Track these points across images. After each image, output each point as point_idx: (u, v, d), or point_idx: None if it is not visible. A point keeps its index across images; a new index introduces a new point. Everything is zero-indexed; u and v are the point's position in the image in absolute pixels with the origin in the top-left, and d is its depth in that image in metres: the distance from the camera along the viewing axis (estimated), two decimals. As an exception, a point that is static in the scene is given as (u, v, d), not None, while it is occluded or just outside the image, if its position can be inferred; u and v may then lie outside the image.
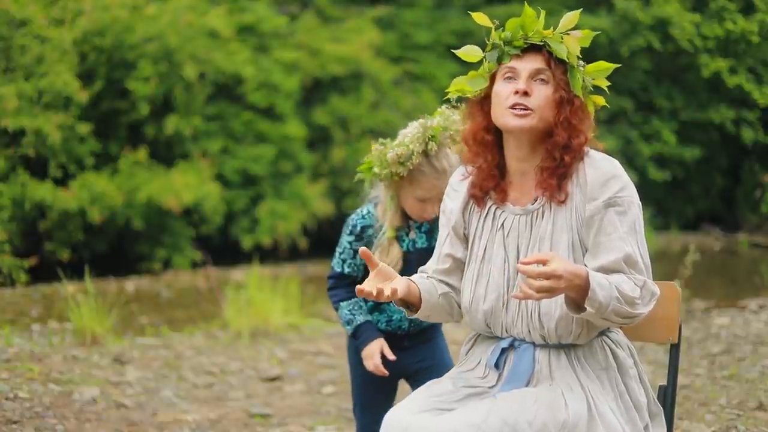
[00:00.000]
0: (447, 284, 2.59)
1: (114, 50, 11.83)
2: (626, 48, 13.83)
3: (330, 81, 14.28)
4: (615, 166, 2.42)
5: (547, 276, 2.18)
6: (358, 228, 3.13)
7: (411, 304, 2.53)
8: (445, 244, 2.59)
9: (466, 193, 2.55)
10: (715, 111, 14.28)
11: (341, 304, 3.15)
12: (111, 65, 11.94)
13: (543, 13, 2.39)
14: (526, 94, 2.37)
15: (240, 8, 13.74)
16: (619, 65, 2.51)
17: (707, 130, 14.88)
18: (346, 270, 3.14)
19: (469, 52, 2.50)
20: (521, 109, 2.38)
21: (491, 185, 2.50)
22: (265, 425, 4.77)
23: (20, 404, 4.63)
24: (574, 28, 2.41)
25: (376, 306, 3.17)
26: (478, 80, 2.48)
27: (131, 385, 5.32)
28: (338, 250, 3.17)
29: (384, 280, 2.40)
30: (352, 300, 3.13)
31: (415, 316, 2.54)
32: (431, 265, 2.64)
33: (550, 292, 2.20)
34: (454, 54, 2.55)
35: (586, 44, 2.41)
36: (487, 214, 2.53)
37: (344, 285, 3.14)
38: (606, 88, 2.48)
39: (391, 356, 3.05)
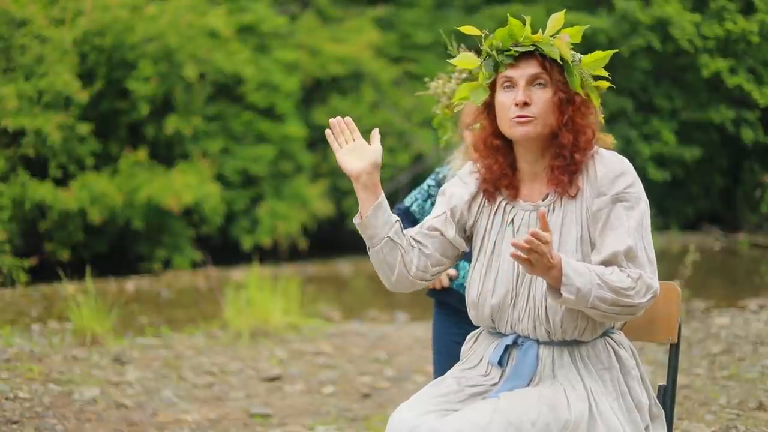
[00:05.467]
0: (420, 245, 2.55)
1: (114, 50, 11.84)
2: (626, 48, 13.81)
3: (330, 81, 14.29)
4: (624, 163, 2.45)
5: (543, 240, 2.21)
6: (441, 176, 3.39)
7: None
8: (437, 219, 2.57)
9: (476, 188, 2.57)
10: (715, 111, 14.27)
11: None
12: (111, 65, 11.94)
13: (528, 19, 2.42)
14: (525, 104, 2.41)
15: (240, 8, 13.74)
16: (616, 50, 2.53)
17: (707, 130, 14.86)
18: (413, 207, 3.42)
19: (465, 60, 2.53)
20: (524, 118, 2.41)
21: (504, 183, 2.53)
22: (265, 425, 4.76)
23: (20, 404, 4.63)
24: (565, 26, 2.43)
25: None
26: (479, 91, 2.50)
27: (131, 385, 5.31)
28: (416, 189, 3.45)
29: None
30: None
31: (358, 222, 2.50)
32: (415, 229, 2.59)
33: (529, 263, 2.23)
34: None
35: (578, 40, 2.43)
36: (497, 209, 2.55)
37: (406, 220, 3.39)
38: (608, 76, 2.49)
39: None
